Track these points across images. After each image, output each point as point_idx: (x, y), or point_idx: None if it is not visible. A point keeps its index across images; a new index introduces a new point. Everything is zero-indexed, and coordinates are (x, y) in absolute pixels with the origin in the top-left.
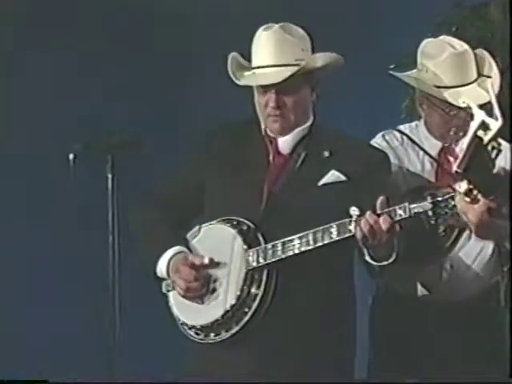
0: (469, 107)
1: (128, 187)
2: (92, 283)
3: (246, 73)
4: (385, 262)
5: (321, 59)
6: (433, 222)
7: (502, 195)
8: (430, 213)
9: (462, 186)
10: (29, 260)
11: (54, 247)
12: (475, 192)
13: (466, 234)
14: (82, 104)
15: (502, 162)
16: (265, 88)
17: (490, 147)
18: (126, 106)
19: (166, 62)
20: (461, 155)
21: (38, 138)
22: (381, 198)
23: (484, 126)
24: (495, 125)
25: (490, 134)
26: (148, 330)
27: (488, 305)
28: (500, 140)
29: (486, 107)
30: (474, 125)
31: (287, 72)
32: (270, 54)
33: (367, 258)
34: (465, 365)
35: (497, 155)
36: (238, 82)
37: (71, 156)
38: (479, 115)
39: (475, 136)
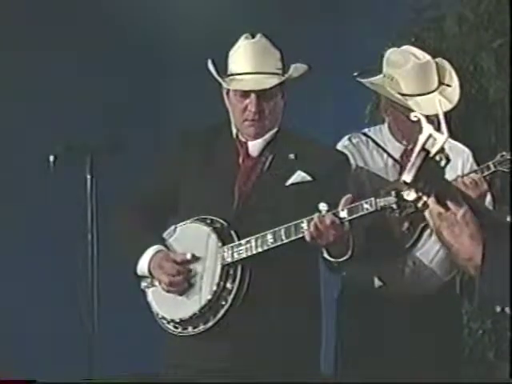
0: (418, 120)
1: (107, 188)
2: (72, 283)
3: (226, 78)
4: (341, 259)
5: (298, 70)
6: (397, 215)
7: (455, 202)
8: (395, 206)
9: (411, 194)
10: (7, 261)
11: (33, 247)
12: (424, 199)
13: (427, 232)
14: (62, 105)
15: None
16: (246, 93)
17: (437, 158)
18: (106, 108)
19: (147, 64)
20: (408, 166)
21: (19, 140)
22: (346, 197)
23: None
24: (441, 139)
25: (437, 147)
26: (127, 326)
27: (446, 299)
28: (447, 152)
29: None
30: (422, 138)
31: (273, 79)
32: (255, 62)
33: (325, 254)
34: (431, 357)
35: (446, 164)
36: (227, 86)
37: (51, 158)
38: (427, 129)
39: (423, 149)
